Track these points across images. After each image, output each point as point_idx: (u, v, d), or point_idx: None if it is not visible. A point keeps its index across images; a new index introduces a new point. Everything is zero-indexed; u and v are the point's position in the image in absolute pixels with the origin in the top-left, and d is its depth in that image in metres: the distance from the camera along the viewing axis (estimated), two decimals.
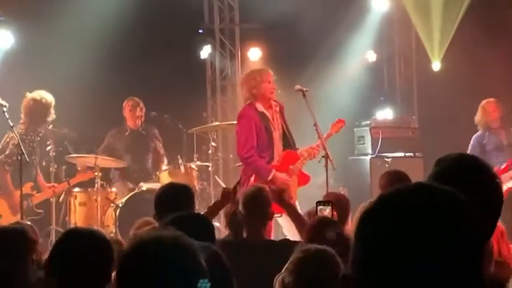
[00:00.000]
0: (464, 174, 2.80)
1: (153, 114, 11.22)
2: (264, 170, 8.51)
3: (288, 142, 8.79)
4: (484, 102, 10.98)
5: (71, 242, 3.75)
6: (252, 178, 8.50)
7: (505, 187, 9.22)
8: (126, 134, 10.99)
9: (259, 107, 8.62)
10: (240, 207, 5.98)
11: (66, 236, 3.84)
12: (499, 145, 10.76)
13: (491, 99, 10.97)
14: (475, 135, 10.95)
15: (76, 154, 10.32)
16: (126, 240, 6.24)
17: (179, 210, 4.85)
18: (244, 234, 5.85)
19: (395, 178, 6.31)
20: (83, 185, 10.37)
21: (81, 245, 3.69)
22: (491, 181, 2.86)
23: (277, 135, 8.70)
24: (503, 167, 10.37)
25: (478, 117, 10.98)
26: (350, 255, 1.66)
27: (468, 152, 10.49)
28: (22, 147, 8.77)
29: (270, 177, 8.43)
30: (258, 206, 5.94)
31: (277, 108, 8.75)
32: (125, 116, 11.06)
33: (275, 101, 8.80)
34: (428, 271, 1.56)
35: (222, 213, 6.57)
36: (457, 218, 1.61)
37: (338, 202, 6.23)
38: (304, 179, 8.79)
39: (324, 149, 8.53)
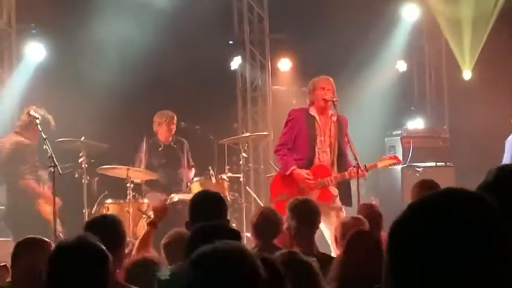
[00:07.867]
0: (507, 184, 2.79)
1: (183, 125, 11.23)
2: (285, 163, 8.77)
3: (335, 155, 8.86)
4: None
5: (63, 260, 3.57)
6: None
7: None
8: (160, 149, 11.01)
9: (312, 111, 8.82)
10: (291, 219, 6.10)
11: (56, 255, 3.64)
12: None
13: None
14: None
15: (108, 166, 10.35)
16: (158, 249, 6.24)
17: (212, 218, 4.88)
18: (295, 247, 5.89)
19: (427, 187, 6.28)
20: (115, 196, 10.42)
21: (73, 259, 3.55)
22: None
23: (323, 142, 8.79)
24: None
25: None
26: (383, 269, 1.67)
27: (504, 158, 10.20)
28: (55, 160, 8.78)
29: (288, 172, 8.68)
30: (309, 216, 6.13)
31: (334, 119, 8.83)
32: (157, 131, 11.09)
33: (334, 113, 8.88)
34: (464, 273, 1.58)
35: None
36: (485, 221, 1.63)
37: (370, 214, 6.30)
38: (325, 196, 8.67)
39: (356, 159, 8.51)
